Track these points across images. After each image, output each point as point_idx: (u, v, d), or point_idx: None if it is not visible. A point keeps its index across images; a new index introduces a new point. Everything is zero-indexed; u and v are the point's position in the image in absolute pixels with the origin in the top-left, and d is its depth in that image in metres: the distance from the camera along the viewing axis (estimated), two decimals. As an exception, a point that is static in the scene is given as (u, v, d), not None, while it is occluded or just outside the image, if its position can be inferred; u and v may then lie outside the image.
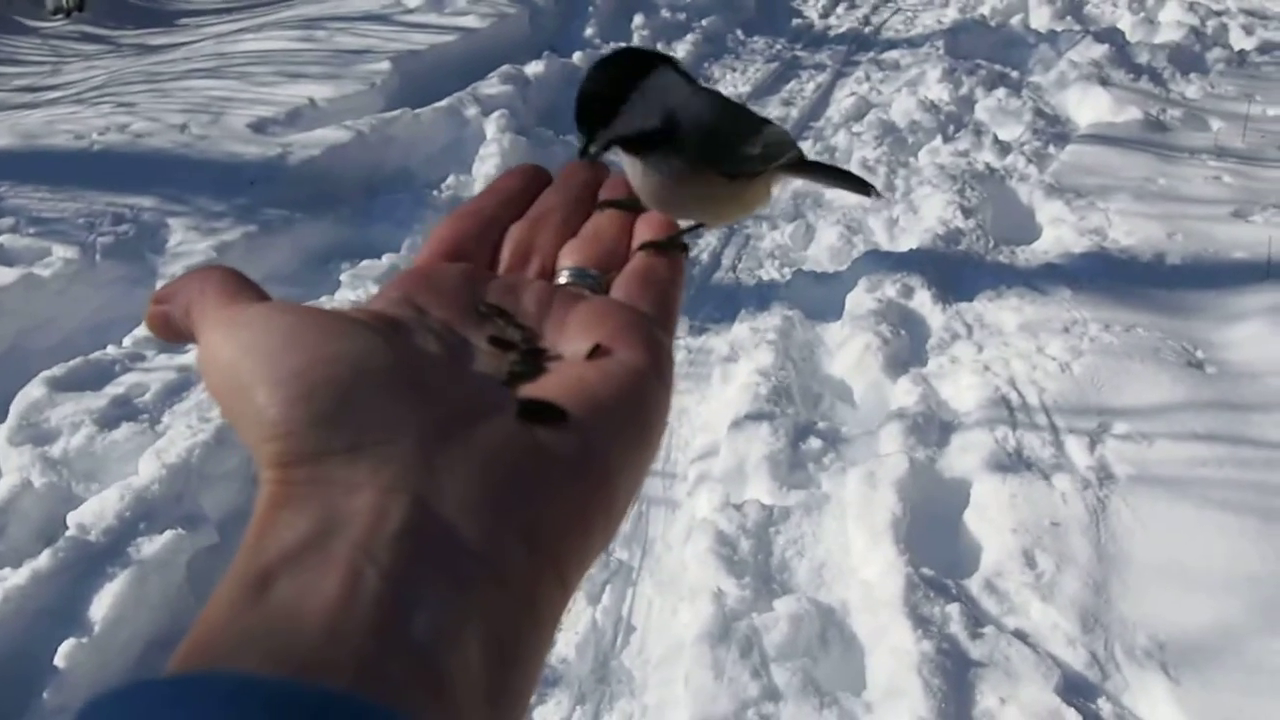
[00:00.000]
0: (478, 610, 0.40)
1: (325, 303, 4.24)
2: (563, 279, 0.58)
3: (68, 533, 3.03)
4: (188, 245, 4.64)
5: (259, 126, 5.96)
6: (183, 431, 3.39)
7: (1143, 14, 8.76)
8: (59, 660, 2.65)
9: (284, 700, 0.34)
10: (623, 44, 7.92)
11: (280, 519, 0.41)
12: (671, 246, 0.60)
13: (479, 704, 0.39)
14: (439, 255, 0.59)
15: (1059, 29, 8.37)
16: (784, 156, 0.70)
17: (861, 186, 0.79)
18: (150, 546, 2.98)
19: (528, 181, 0.64)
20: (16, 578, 2.84)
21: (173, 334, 0.51)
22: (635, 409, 0.49)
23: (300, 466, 0.42)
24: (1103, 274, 4.40)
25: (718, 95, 0.68)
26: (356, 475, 0.42)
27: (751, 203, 0.70)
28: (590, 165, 0.66)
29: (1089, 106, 6.62)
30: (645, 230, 0.61)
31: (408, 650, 0.38)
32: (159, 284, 4.32)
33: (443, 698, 0.38)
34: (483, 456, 0.43)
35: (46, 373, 3.73)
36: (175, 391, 3.67)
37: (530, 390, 0.48)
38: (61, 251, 4.44)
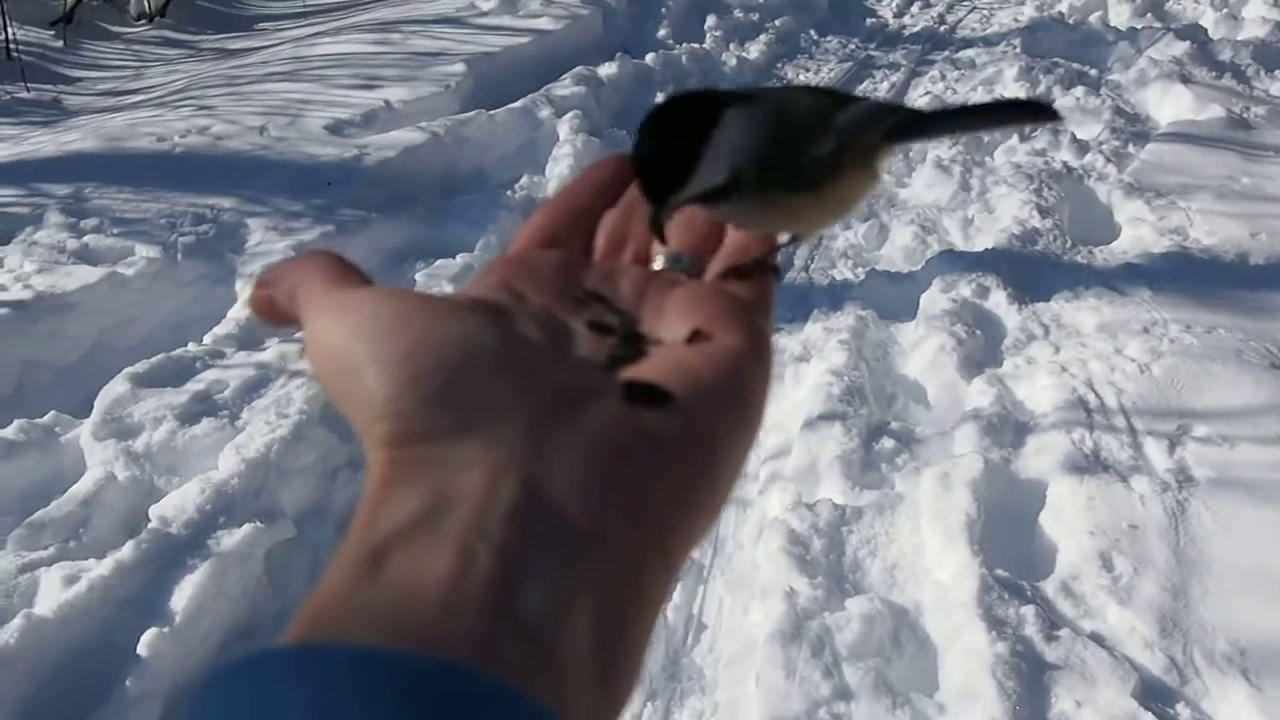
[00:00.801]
0: (586, 589, 0.40)
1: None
2: (658, 265, 0.59)
3: (150, 525, 3.09)
4: (266, 245, 4.71)
5: (335, 128, 6.04)
6: (261, 427, 3.45)
7: (1225, 10, 8.58)
8: (141, 649, 2.71)
9: (407, 672, 0.35)
10: (695, 44, 7.92)
11: (392, 497, 0.42)
12: (758, 269, 0.58)
13: (588, 680, 0.40)
14: (534, 243, 0.59)
15: (1139, 26, 8.23)
16: (870, 134, 0.62)
17: (1025, 113, 0.65)
18: (229, 539, 3.03)
19: (616, 170, 0.64)
20: (101, 568, 2.90)
21: (276, 318, 0.52)
22: (737, 391, 0.49)
23: (411, 446, 0.43)
24: (1183, 274, 4.32)
25: (774, 106, 0.62)
26: (467, 454, 0.42)
27: (847, 199, 0.63)
28: None
29: (1170, 105, 6.50)
30: None
31: (519, 627, 0.39)
32: (238, 283, 4.43)
33: (552, 674, 0.39)
34: (590, 438, 0.44)
35: (129, 369, 3.81)
36: (254, 388, 3.73)
37: (632, 373, 0.48)
38: (144, 251, 4.54)
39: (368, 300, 0.48)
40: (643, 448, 0.45)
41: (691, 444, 0.46)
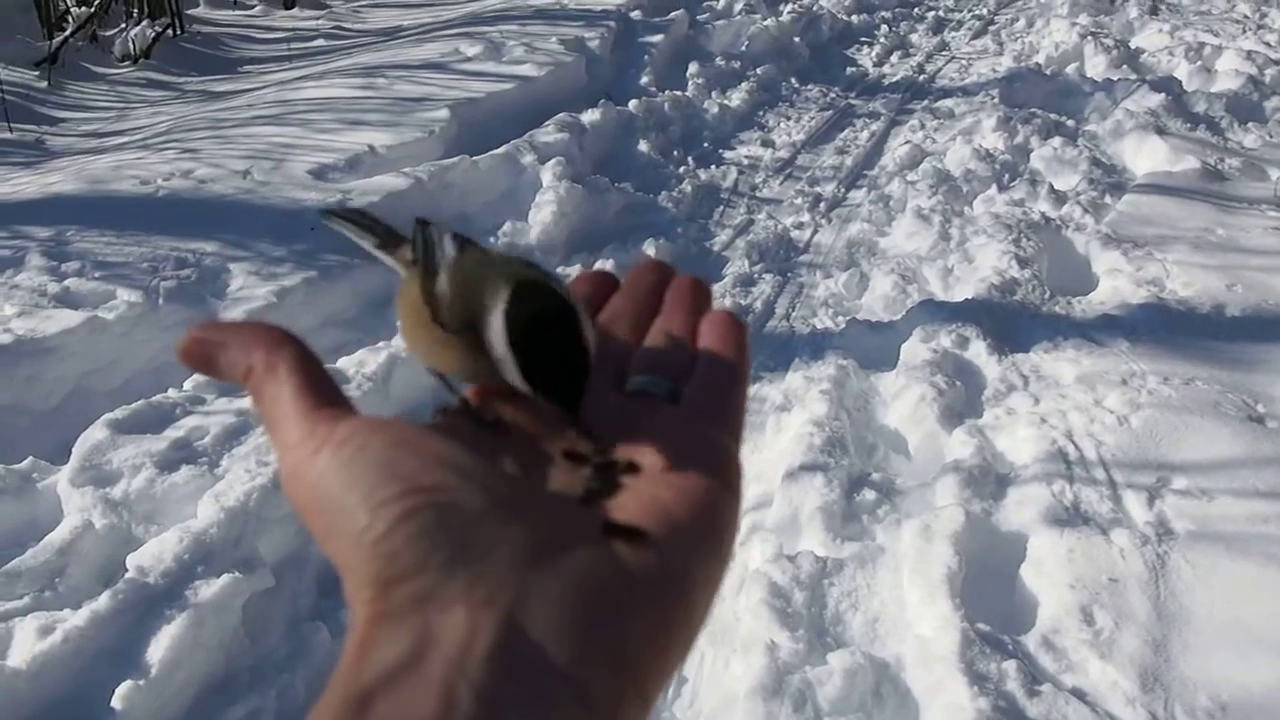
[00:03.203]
0: None
1: (381, 347, 4.28)
2: (633, 387, 0.59)
3: (127, 575, 3.06)
4: (249, 290, 4.71)
5: (319, 173, 6.05)
6: (241, 475, 3.43)
7: (1199, 63, 8.70)
8: (116, 702, 2.68)
9: None
10: (678, 91, 7.97)
11: (379, 637, 0.43)
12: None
13: None
14: None
15: (1115, 78, 8.32)
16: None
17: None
18: (207, 589, 3.01)
19: (596, 288, 0.66)
20: (76, 619, 2.87)
21: (210, 372, 0.53)
22: (710, 525, 0.50)
23: (398, 584, 0.44)
24: (1161, 326, 4.36)
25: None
26: (451, 591, 0.43)
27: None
28: (656, 267, 0.66)
29: (1146, 156, 6.57)
30: (709, 333, 0.61)
31: None
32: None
33: None
34: (570, 579, 0.45)
35: (109, 415, 3.78)
36: (234, 435, 3.71)
37: (608, 508, 0.49)
38: (125, 295, 4.52)
39: (354, 436, 0.49)
40: (621, 590, 0.45)
41: (668, 584, 0.47)
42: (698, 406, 0.57)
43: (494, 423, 0.56)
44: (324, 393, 0.52)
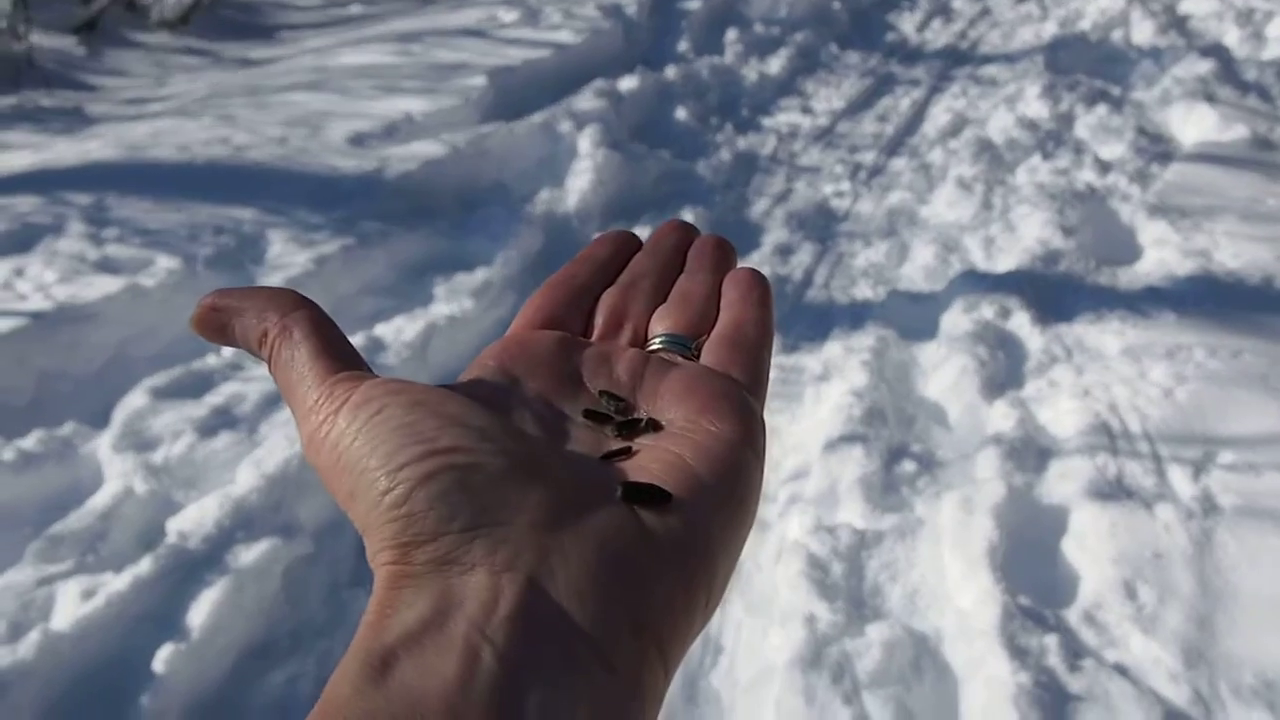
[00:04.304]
0: (587, 693, 0.41)
1: (419, 314, 4.28)
2: (654, 345, 0.59)
3: (167, 540, 3.09)
4: (287, 257, 4.71)
5: (357, 140, 6.04)
6: (280, 442, 3.45)
7: (1250, 29, 8.53)
8: (157, 665, 2.70)
9: None
10: (716, 58, 7.91)
11: (401, 599, 0.42)
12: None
13: None
14: (534, 323, 0.60)
15: (1162, 44, 8.18)
16: None
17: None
18: (247, 555, 3.03)
19: (619, 247, 0.65)
20: (118, 583, 2.90)
21: (224, 340, 0.54)
22: (732, 485, 0.49)
23: (419, 546, 0.43)
24: (1208, 298, 4.29)
25: None
26: (471, 555, 0.43)
27: None
28: (680, 227, 0.66)
29: (1194, 124, 6.46)
30: (732, 290, 0.61)
31: None
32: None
33: None
34: (592, 541, 0.44)
35: (149, 381, 3.81)
36: (274, 402, 3.72)
37: (628, 467, 0.49)
38: (165, 262, 4.54)
39: (373, 399, 0.48)
40: (643, 551, 0.45)
41: (690, 545, 0.46)
42: (720, 364, 0.56)
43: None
44: (341, 356, 0.51)
